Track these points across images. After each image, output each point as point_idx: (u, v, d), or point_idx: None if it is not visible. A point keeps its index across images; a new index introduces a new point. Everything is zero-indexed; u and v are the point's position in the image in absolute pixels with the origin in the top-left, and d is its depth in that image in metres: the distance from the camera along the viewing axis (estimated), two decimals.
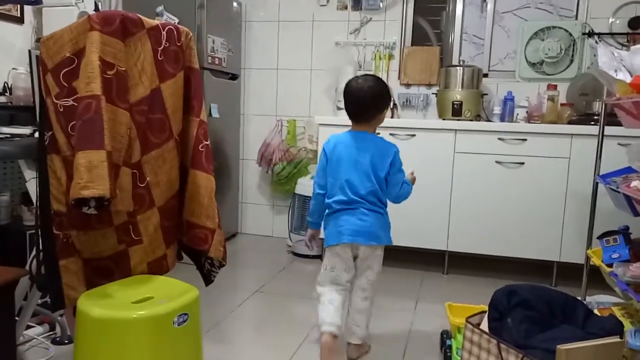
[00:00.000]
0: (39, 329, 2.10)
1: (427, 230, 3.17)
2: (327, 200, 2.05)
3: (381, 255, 2.08)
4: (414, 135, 3.13)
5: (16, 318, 1.64)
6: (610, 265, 2.00)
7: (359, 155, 1.99)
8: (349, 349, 2.06)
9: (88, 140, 1.35)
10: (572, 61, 3.40)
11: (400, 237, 3.19)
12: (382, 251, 2.07)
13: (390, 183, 2.03)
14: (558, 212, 2.98)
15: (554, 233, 3.00)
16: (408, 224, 3.17)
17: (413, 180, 2.17)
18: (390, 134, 3.16)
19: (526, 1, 3.51)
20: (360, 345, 2.07)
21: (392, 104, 3.63)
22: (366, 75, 2.06)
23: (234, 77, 3.84)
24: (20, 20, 2.78)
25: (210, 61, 3.38)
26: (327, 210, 2.06)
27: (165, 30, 1.61)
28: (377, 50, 3.71)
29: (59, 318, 2.12)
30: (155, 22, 1.59)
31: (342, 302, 2.02)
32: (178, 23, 3.21)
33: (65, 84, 1.45)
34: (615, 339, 1.53)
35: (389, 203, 2.10)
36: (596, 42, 3.21)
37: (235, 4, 3.76)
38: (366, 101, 1.99)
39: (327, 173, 2.05)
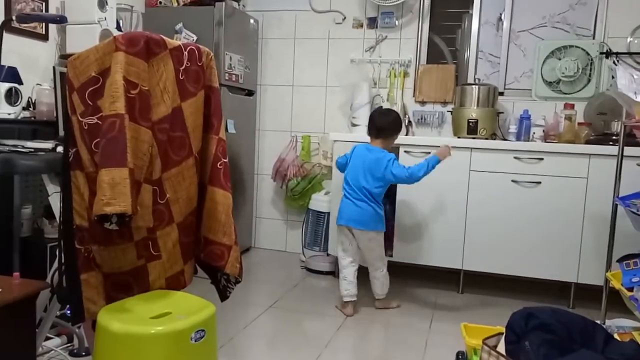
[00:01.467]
0: (57, 341, 2.12)
1: (442, 249, 3.16)
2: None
3: (377, 239, 2.80)
4: (429, 153, 3.12)
5: (36, 329, 1.66)
6: (630, 289, 1.97)
7: (365, 160, 2.73)
8: (376, 302, 2.88)
9: (111, 158, 1.38)
10: (589, 80, 3.39)
11: (415, 255, 3.19)
12: (376, 235, 2.78)
13: (392, 173, 2.66)
14: (576, 233, 2.95)
15: (572, 254, 2.96)
16: (423, 241, 3.17)
17: (443, 152, 2.72)
18: (405, 151, 3.17)
19: (543, 20, 3.52)
20: (384, 300, 2.88)
21: (406, 121, 3.65)
22: (388, 109, 3.03)
23: (250, 93, 3.89)
24: (44, 37, 2.85)
25: (227, 78, 3.43)
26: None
27: (187, 50, 1.64)
28: (392, 68, 3.73)
29: (77, 330, 2.15)
30: (178, 42, 1.63)
31: (354, 274, 2.81)
32: (196, 40, 3.29)
33: (90, 103, 1.48)
34: None
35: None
36: (614, 63, 3.21)
37: (252, 22, 3.82)
38: (381, 130, 2.78)
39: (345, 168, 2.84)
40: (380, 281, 2.85)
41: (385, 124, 2.78)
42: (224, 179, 1.76)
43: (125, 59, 1.44)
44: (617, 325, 2.31)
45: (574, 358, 1.52)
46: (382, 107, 2.99)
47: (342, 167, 2.91)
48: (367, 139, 2.87)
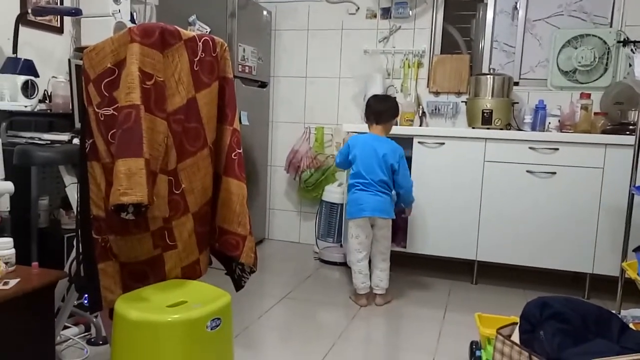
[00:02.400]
0: (74, 330, 2.16)
1: (456, 239, 3.15)
2: (350, 181, 2.78)
3: (390, 226, 2.83)
4: (443, 143, 3.12)
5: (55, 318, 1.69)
6: None
7: (378, 151, 2.71)
8: (376, 298, 2.82)
9: (127, 149, 1.40)
10: (606, 69, 3.34)
11: (429, 245, 3.18)
12: (390, 222, 2.82)
13: (401, 174, 2.76)
14: (591, 223, 2.93)
15: (587, 244, 2.94)
16: (437, 232, 3.16)
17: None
18: (419, 142, 3.15)
19: (559, 9, 3.47)
20: (385, 295, 2.82)
21: (420, 112, 3.64)
22: (385, 95, 3.18)
23: (263, 84, 3.90)
24: (60, 30, 2.88)
25: (240, 69, 3.44)
26: (351, 190, 2.78)
27: (202, 41, 1.65)
28: (406, 59, 3.71)
29: (94, 319, 2.18)
30: (192, 33, 1.63)
31: (367, 266, 2.82)
32: (210, 32, 3.29)
33: (106, 94, 1.50)
34: None
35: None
36: (632, 50, 3.15)
37: (265, 13, 3.82)
38: (384, 112, 2.82)
39: (352, 161, 2.78)
40: (386, 273, 2.83)
41: (384, 109, 2.80)
42: (238, 170, 1.77)
43: (140, 50, 1.45)
44: (633, 315, 2.29)
45: (589, 347, 1.51)
46: (377, 94, 3.06)
47: (345, 163, 2.86)
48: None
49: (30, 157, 1.70)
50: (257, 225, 3.93)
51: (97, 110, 1.51)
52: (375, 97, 2.95)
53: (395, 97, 2.99)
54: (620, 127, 3.05)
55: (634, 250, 2.14)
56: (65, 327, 2.15)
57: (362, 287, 2.80)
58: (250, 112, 3.63)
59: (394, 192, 2.81)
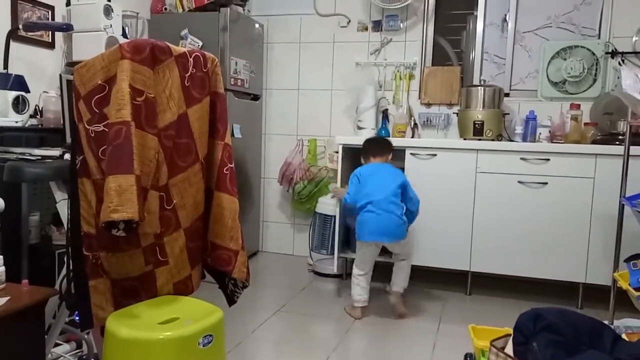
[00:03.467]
0: (66, 347, 2.13)
1: (449, 250, 3.15)
2: (360, 203, 2.73)
3: (409, 242, 2.85)
4: (435, 154, 3.14)
5: (45, 336, 1.68)
6: (638, 289, 1.96)
7: (385, 176, 2.76)
8: (392, 297, 2.83)
9: (118, 165, 1.39)
10: (595, 80, 3.38)
11: (423, 257, 3.18)
12: (409, 238, 2.83)
13: (408, 195, 2.79)
14: (583, 233, 2.94)
15: (580, 254, 2.95)
16: (430, 243, 3.16)
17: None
18: (411, 154, 3.17)
19: (547, 21, 3.52)
20: (402, 295, 2.86)
21: (412, 123, 3.66)
22: (378, 136, 3.41)
23: (255, 97, 3.91)
24: (51, 45, 2.88)
25: (232, 82, 3.45)
26: (361, 213, 2.72)
27: (192, 57, 1.65)
28: (398, 70, 3.74)
29: (86, 336, 2.16)
30: (183, 49, 1.64)
31: (368, 281, 2.82)
32: (202, 46, 3.31)
33: (96, 110, 1.50)
34: None
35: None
36: (619, 63, 3.19)
37: (257, 26, 3.84)
38: (384, 145, 2.94)
39: (361, 189, 2.76)
40: (405, 271, 2.85)
41: (380, 145, 2.92)
42: (230, 184, 1.77)
43: (130, 67, 1.46)
44: (625, 325, 2.29)
45: (582, 359, 1.52)
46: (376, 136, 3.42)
47: (357, 195, 2.78)
48: None
49: (20, 173, 1.69)
50: (250, 238, 3.92)
51: (87, 126, 1.51)
52: (369, 139, 3.02)
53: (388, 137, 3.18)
54: (610, 137, 3.07)
55: (625, 261, 2.15)
56: (57, 345, 2.12)
57: (358, 300, 2.79)
58: (243, 125, 3.64)
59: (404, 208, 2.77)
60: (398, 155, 3.28)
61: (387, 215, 2.65)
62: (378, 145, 2.92)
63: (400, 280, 2.84)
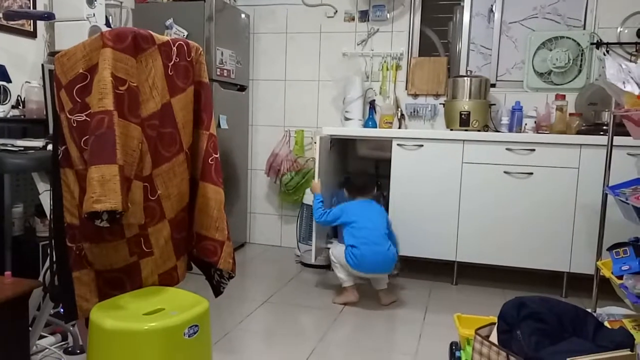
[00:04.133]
0: (51, 339, 2.12)
1: (435, 241, 3.17)
2: (350, 240, 2.78)
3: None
4: (422, 145, 3.15)
5: (29, 328, 1.66)
6: (620, 277, 1.99)
7: (371, 211, 2.87)
8: (383, 297, 2.86)
9: (101, 155, 1.38)
10: (580, 71, 3.40)
11: (409, 247, 3.20)
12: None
13: (391, 231, 2.94)
14: (567, 223, 2.97)
15: (564, 243, 2.98)
16: (417, 234, 3.18)
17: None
18: (398, 144, 3.17)
19: (533, 11, 3.53)
20: (388, 292, 2.88)
21: (399, 114, 3.66)
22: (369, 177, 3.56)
23: (242, 88, 3.88)
24: (33, 34, 2.83)
25: (219, 73, 3.42)
26: (352, 244, 2.76)
27: (176, 45, 1.64)
28: (385, 61, 3.73)
29: (71, 328, 2.15)
30: (166, 38, 1.62)
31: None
32: (187, 36, 3.27)
33: (78, 100, 1.48)
34: (625, 352, 1.52)
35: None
36: (604, 54, 3.21)
37: (243, 16, 3.81)
38: (368, 186, 3.11)
39: (348, 222, 2.84)
40: (384, 278, 2.89)
41: (366, 184, 3.10)
42: (215, 175, 1.75)
43: (112, 55, 1.44)
44: (608, 312, 2.33)
45: (565, 346, 1.54)
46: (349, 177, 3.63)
47: (328, 222, 2.95)
48: (361, 131, 3.15)
49: (2, 164, 1.66)
50: (238, 229, 3.91)
51: (69, 116, 1.49)
52: (355, 182, 3.21)
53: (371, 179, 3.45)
54: (594, 128, 3.10)
55: (608, 249, 2.18)
56: (42, 337, 2.11)
57: (347, 279, 2.83)
58: (230, 116, 3.62)
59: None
60: (385, 145, 3.29)
61: (385, 251, 2.74)
62: (360, 187, 3.07)
63: (381, 284, 2.87)
